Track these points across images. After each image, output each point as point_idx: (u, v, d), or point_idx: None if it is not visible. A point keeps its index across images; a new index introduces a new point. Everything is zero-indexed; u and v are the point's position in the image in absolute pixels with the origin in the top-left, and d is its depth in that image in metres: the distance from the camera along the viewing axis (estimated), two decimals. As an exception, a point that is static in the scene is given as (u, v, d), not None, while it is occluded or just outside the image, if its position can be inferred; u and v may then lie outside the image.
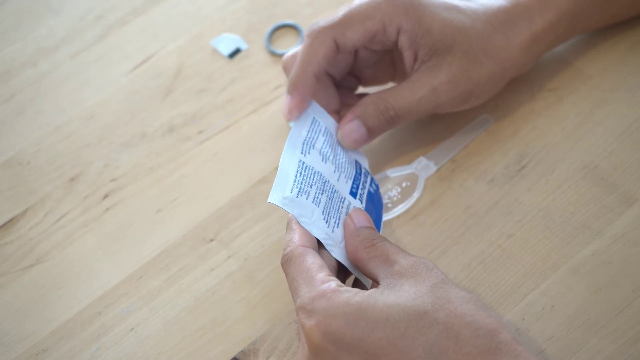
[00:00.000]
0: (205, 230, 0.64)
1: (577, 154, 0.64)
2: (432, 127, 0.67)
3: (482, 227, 0.62)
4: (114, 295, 0.62)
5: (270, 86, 0.72)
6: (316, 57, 0.59)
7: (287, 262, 0.54)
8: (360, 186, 0.60)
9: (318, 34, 0.60)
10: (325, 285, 0.51)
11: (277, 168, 0.67)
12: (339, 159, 0.60)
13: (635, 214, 0.60)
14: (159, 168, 0.68)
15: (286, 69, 0.64)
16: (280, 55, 0.73)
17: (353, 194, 0.59)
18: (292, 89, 0.60)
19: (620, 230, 0.60)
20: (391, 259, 0.53)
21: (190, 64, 0.74)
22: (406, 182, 0.64)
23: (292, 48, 0.73)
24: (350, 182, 0.59)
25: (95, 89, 0.73)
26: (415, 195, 0.63)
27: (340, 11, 0.60)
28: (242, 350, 0.59)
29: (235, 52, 0.74)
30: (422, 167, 0.64)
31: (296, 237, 0.54)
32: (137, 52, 0.75)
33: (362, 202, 0.59)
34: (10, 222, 0.66)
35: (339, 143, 0.61)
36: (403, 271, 0.51)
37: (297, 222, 0.55)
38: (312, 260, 0.53)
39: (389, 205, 0.63)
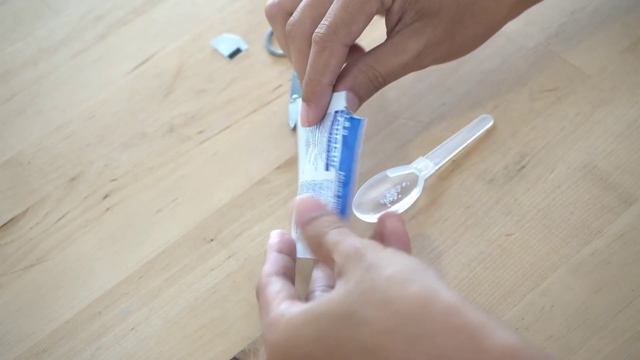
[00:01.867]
0: (205, 230, 0.64)
1: (577, 154, 0.64)
2: (432, 127, 0.67)
3: (482, 227, 0.62)
4: (114, 295, 0.62)
5: (270, 86, 0.72)
6: (329, 67, 0.59)
7: (257, 294, 0.55)
8: (333, 146, 0.59)
9: (327, 44, 0.58)
10: (272, 314, 0.51)
11: (277, 168, 0.67)
12: (317, 135, 0.60)
13: (635, 214, 0.61)
14: (159, 168, 0.68)
15: (271, 17, 0.64)
16: (281, 56, 0.73)
17: (327, 166, 0.59)
18: (309, 100, 0.60)
19: (619, 230, 0.60)
20: (330, 258, 0.51)
21: (190, 64, 0.74)
22: (406, 182, 0.64)
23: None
24: (324, 156, 0.59)
25: (96, 89, 0.73)
26: (415, 195, 0.63)
27: (337, 3, 0.59)
28: (242, 350, 0.59)
29: (235, 52, 0.74)
30: (422, 167, 0.64)
31: (265, 267, 0.56)
32: (137, 52, 0.75)
33: (335, 164, 0.59)
34: (11, 222, 0.66)
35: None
36: (337, 270, 0.50)
37: (269, 250, 0.57)
38: (270, 289, 0.53)
39: (388, 205, 0.63)
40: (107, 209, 0.66)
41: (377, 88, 0.61)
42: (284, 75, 0.72)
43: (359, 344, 0.47)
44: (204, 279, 0.62)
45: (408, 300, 0.46)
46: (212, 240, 0.64)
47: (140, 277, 0.63)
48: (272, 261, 0.56)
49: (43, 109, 0.73)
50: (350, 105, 0.59)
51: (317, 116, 0.60)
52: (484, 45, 0.69)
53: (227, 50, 0.74)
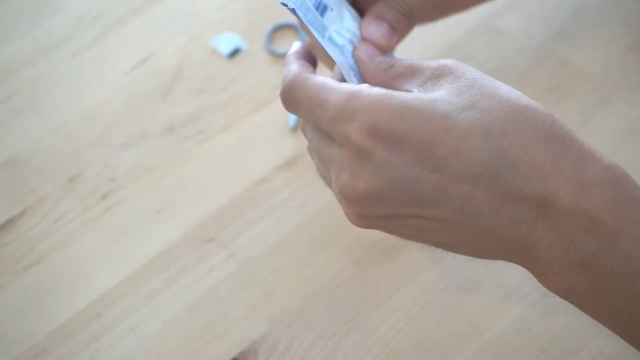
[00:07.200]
0: (205, 231, 0.64)
1: (578, 153, 0.64)
2: (433, 127, 0.67)
3: (483, 227, 0.61)
4: (114, 296, 0.62)
5: (270, 86, 0.71)
6: None
7: (291, 90, 0.48)
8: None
9: None
10: (356, 86, 0.46)
11: (277, 168, 0.67)
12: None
13: (637, 214, 0.60)
14: (158, 168, 0.68)
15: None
16: (281, 55, 0.73)
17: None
18: None
19: (621, 230, 0.60)
20: (418, 69, 0.48)
21: (190, 64, 0.74)
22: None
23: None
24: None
25: (95, 89, 0.73)
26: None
27: None
28: (241, 351, 0.59)
29: (235, 52, 0.74)
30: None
31: (295, 67, 0.50)
32: (136, 52, 0.75)
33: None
34: (9, 222, 0.66)
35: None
36: (437, 73, 0.46)
37: (294, 56, 0.51)
38: (324, 78, 0.48)
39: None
40: (106, 209, 0.66)
41: (405, 15, 0.56)
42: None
43: (484, 124, 0.43)
44: (203, 280, 0.62)
45: (536, 104, 0.45)
46: (211, 240, 0.64)
47: (140, 278, 0.62)
48: (306, 64, 0.50)
49: (42, 108, 0.72)
50: (382, 33, 0.55)
51: None
52: (484, 44, 0.69)
53: (226, 49, 0.74)
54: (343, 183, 0.46)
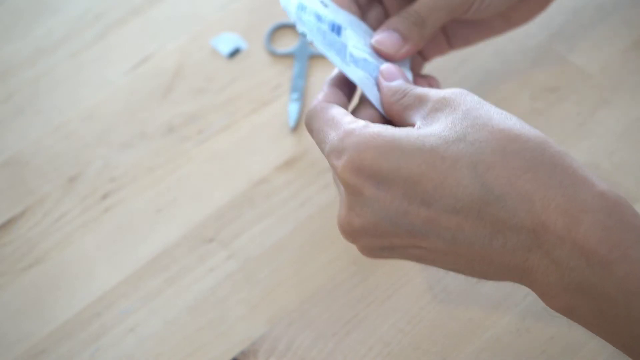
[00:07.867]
0: (204, 231, 0.64)
1: (578, 154, 0.64)
2: (433, 127, 0.67)
3: (483, 227, 0.61)
4: (113, 296, 0.62)
5: (270, 86, 0.71)
6: None
7: (310, 119, 0.51)
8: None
9: None
10: (354, 124, 0.48)
11: (277, 168, 0.67)
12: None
13: (637, 214, 0.60)
14: (158, 168, 0.68)
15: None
16: (280, 55, 0.73)
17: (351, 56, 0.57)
18: None
19: (621, 230, 0.60)
20: (423, 100, 0.49)
21: (189, 64, 0.73)
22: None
23: (292, 48, 0.73)
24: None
25: (94, 89, 0.73)
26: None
27: None
28: (241, 351, 0.59)
29: (235, 52, 0.74)
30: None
31: (320, 95, 0.53)
32: (136, 52, 0.75)
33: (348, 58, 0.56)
34: (9, 222, 0.66)
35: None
36: (437, 105, 0.48)
37: (328, 82, 0.54)
38: (337, 110, 0.50)
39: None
40: (106, 209, 0.66)
41: (417, 25, 0.57)
42: (283, 74, 0.72)
43: (471, 158, 0.45)
44: (203, 280, 0.62)
45: (528, 132, 0.45)
46: (211, 240, 0.64)
47: (140, 278, 0.62)
48: (331, 92, 0.53)
49: (42, 108, 0.72)
50: (392, 42, 0.57)
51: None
52: (485, 44, 0.69)
53: (226, 49, 0.74)
54: (341, 218, 0.49)
